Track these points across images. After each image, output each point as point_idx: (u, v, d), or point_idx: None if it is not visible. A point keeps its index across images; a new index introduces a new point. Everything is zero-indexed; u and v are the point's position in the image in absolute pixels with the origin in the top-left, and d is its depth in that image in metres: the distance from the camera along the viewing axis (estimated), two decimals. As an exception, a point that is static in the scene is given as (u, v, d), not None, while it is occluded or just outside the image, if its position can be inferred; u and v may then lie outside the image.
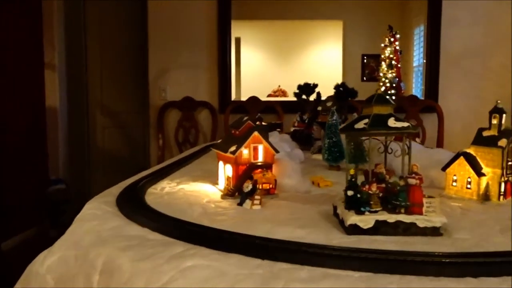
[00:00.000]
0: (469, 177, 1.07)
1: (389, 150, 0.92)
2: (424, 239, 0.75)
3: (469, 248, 0.69)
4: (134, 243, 0.71)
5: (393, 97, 4.22)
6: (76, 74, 4.33)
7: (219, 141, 1.26)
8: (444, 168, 1.12)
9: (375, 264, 0.59)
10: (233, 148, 1.10)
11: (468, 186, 1.07)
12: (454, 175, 1.10)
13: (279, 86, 4.38)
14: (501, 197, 1.04)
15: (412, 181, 0.80)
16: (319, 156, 1.93)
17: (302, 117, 2.29)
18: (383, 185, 0.83)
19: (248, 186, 1.01)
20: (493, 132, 1.07)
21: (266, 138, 1.14)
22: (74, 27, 4.29)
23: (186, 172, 1.51)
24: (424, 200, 0.79)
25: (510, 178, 1.06)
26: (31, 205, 3.17)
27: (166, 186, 1.23)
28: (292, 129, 2.37)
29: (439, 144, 3.68)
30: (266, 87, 4.33)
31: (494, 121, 1.07)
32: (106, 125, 4.66)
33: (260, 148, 1.13)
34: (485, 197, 1.04)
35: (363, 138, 0.88)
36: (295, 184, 1.15)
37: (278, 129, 2.21)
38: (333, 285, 0.54)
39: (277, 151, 1.14)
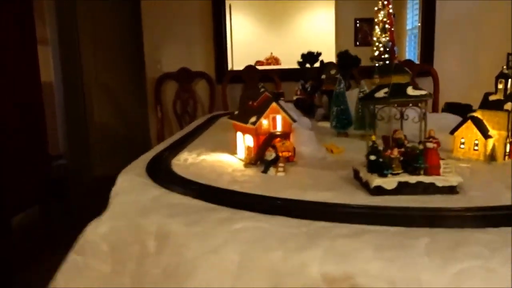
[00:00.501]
0: (476, 140, 1.14)
1: (405, 117, 0.98)
2: (443, 197, 0.83)
3: (485, 203, 0.77)
4: (180, 210, 0.77)
5: (387, 62, 4.26)
6: (68, 49, 4.29)
7: (235, 112, 1.31)
8: (452, 132, 1.19)
9: (407, 220, 0.66)
10: (253, 119, 1.16)
11: (476, 148, 1.14)
12: (462, 138, 1.17)
13: (272, 53, 4.38)
14: (506, 157, 1.11)
15: (430, 145, 0.86)
16: (324, 124, 1.99)
17: (304, 86, 2.33)
18: (403, 149, 0.90)
19: (271, 155, 1.07)
20: (499, 96, 1.13)
21: (283, 108, 1.19)
22: (64, 1, 4.21)
23: (200, 144, 1.57)
24: (441, 162, 0.86)
25: (514, 138, 1.13)
26: (33, 182, 3.21)
27: (188, 157, 1.28)
28: (294, 97, 2.42)
29: (435, 108, 3.76)
30: (258, 55, 4.33)
31: (500, 86, 1.13)
32: (103, 99, 4.65)
33: (279, 118, 1.18)
34: (492, 157, 1.12)
35: (380, 106, 0.94)
36: (312, 151, 1.21)
37: (282, 98, 2.26)
38: (374, 238, 0.61)
39: (294, 121, 1.20)
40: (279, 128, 1.19)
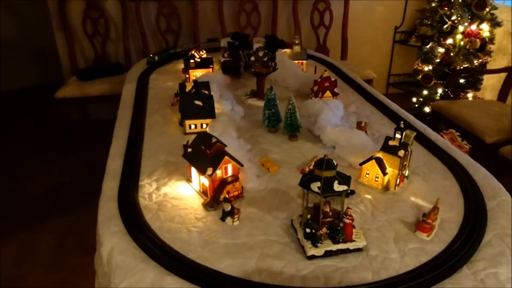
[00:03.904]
0: (377, 174, 1.53)
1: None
2: (352, 255, 1.23)
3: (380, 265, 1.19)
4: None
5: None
6: None
7: (189, 150, 1.52)
8: (361, 164, 1.56)
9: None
10: (209, 171, 1.40)
11: (376, 179, 1.54)
12: (367, 170, 1.55)
13: None
14: (397, 187, 1.53)
15: (347, 221, 1.22)
16: (254, 102, 2.24)
17: (230, 53, 2.46)
18: (328, 219, 1.26)
19: (228, 207, 1.36)
20: (395, 142, 1.50)
21: (232, 157, 1.44)
22: None
23: (152, 159, 1.74)
24: (354, 231, 1.24)
25: (402, 172, 1.54)
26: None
27: (151, 189, 1.52)
28: (222, 59, 2.55)
29: (345, 18, 4.09)
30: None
31: (397, 135, 1.49)
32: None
33: (229, 166, 1.45)
34: (386, 188, 1.53)
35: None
36: (255, 185, 1.52)
37: (211, 66, 2.39)
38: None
39: (241, 165, 1.47)
40: (229, 173, 1.46)
